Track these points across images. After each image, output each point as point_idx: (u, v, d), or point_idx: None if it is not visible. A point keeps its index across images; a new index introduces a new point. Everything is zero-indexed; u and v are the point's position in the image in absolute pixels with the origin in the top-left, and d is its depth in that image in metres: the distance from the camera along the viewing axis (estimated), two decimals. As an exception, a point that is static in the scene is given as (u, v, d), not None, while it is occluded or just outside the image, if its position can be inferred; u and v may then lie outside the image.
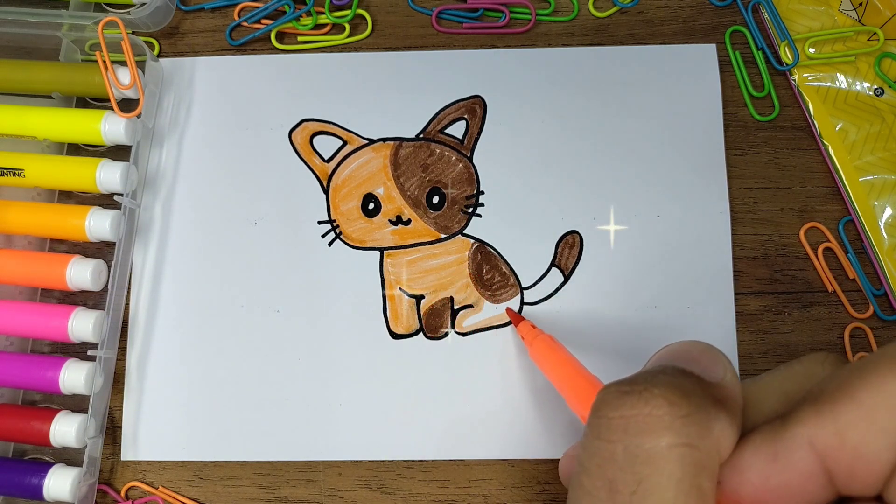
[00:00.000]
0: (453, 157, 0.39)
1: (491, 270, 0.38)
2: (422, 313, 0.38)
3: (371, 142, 0.39)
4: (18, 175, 0.37)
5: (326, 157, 0.39)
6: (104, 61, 0.37)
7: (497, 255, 0.38)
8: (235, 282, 0.38)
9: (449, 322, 0.38)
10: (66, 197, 0.40)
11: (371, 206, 0.39)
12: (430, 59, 0.40)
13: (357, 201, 0.39)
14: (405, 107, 0.40)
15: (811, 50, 0.39)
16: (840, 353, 0.37)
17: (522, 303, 0.38)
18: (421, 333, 0.37)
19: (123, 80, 0.38)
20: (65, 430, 0.35)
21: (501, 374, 0.37)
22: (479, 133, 0.39)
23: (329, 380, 0.37)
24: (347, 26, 0.41)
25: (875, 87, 0.39)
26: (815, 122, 0.39)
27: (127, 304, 0.38)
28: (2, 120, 0.37)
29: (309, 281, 0.38)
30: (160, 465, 0.37)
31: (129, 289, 0.38)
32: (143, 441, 0.37)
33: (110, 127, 0.37)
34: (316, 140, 0.40)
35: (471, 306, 0.38)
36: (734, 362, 0.37)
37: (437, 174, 0.39)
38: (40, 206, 0.39)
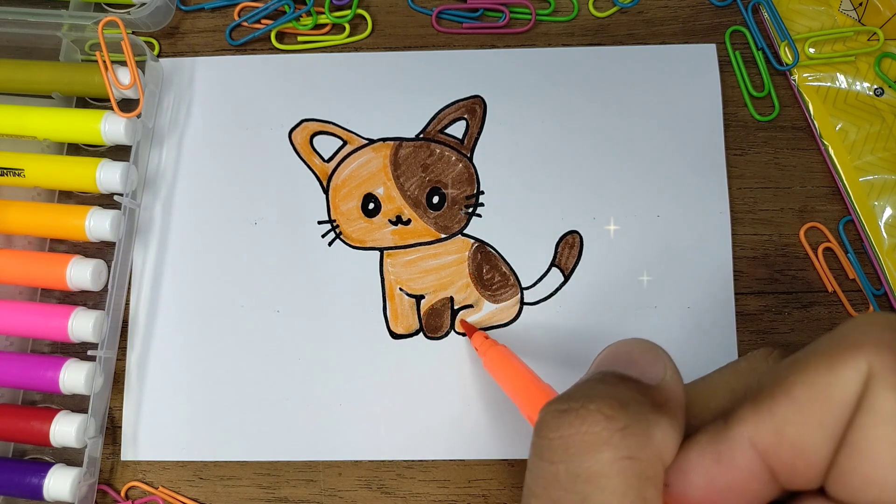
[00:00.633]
0: (453, 157, 0.39)
1: (491, 270, 0.38)
2: (422, 313, 0.38)
3: (371, 142, 0.39)
4: (18, 175, 0.37)
5: (326, 157, 0.39)
6: (104, 61, 0.37)
7: (497, 255, 0.38)
8: (235, 282, 0.38)
9: (449, 322, 0.38)
10: (66, 197, 0.40)
11: (371, 206, 0.39)
12: (430, 59, 0.40)
13: (357, 201, 0.39)
14: (405, 107, 0.40)
15: (811, 50, 0.39)
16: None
17: (522, 303, 0.38)
18: (421, 333, 0.38)
19: (123, 80, 0.38)
20: (65, 430, 0.35)
21: (501, 374, 0.37)
22: (479, 133, 0.39)
23: (329, 380, 0.37)
24: (347, 26, 0.41)
25: (875, 87, 0.39)
26: (815, 122, 0.39)
27: (127, 304, 0.38)
28: (2, 120, 0.37)
29: (309, 281, 0.38)
30: (160, 465, 0.37)
31: (129, 289, 0.38)
32: (143, 441, 0.37)
33: (110, 127, 0.37)
34: (316, 140, 0.40)
35: (471, 306, 0.38)
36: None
37: (437, 174, 0.39)
38: (40, 206, 0.39)
